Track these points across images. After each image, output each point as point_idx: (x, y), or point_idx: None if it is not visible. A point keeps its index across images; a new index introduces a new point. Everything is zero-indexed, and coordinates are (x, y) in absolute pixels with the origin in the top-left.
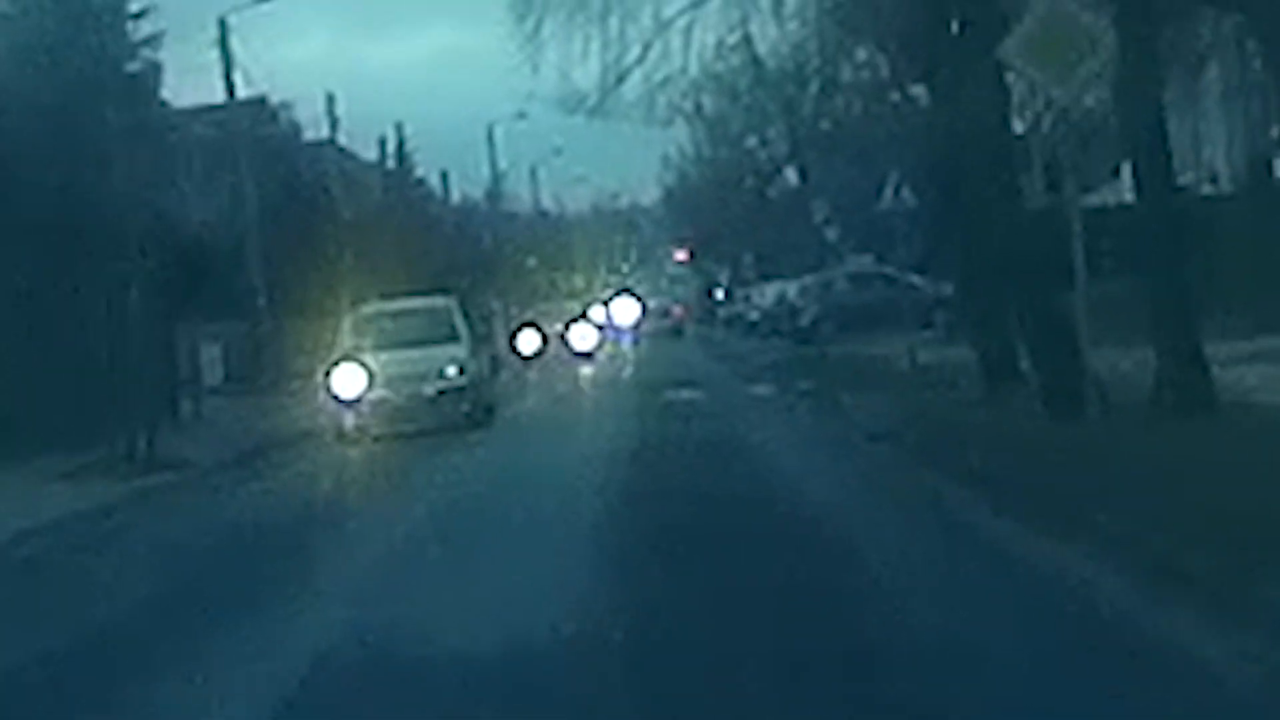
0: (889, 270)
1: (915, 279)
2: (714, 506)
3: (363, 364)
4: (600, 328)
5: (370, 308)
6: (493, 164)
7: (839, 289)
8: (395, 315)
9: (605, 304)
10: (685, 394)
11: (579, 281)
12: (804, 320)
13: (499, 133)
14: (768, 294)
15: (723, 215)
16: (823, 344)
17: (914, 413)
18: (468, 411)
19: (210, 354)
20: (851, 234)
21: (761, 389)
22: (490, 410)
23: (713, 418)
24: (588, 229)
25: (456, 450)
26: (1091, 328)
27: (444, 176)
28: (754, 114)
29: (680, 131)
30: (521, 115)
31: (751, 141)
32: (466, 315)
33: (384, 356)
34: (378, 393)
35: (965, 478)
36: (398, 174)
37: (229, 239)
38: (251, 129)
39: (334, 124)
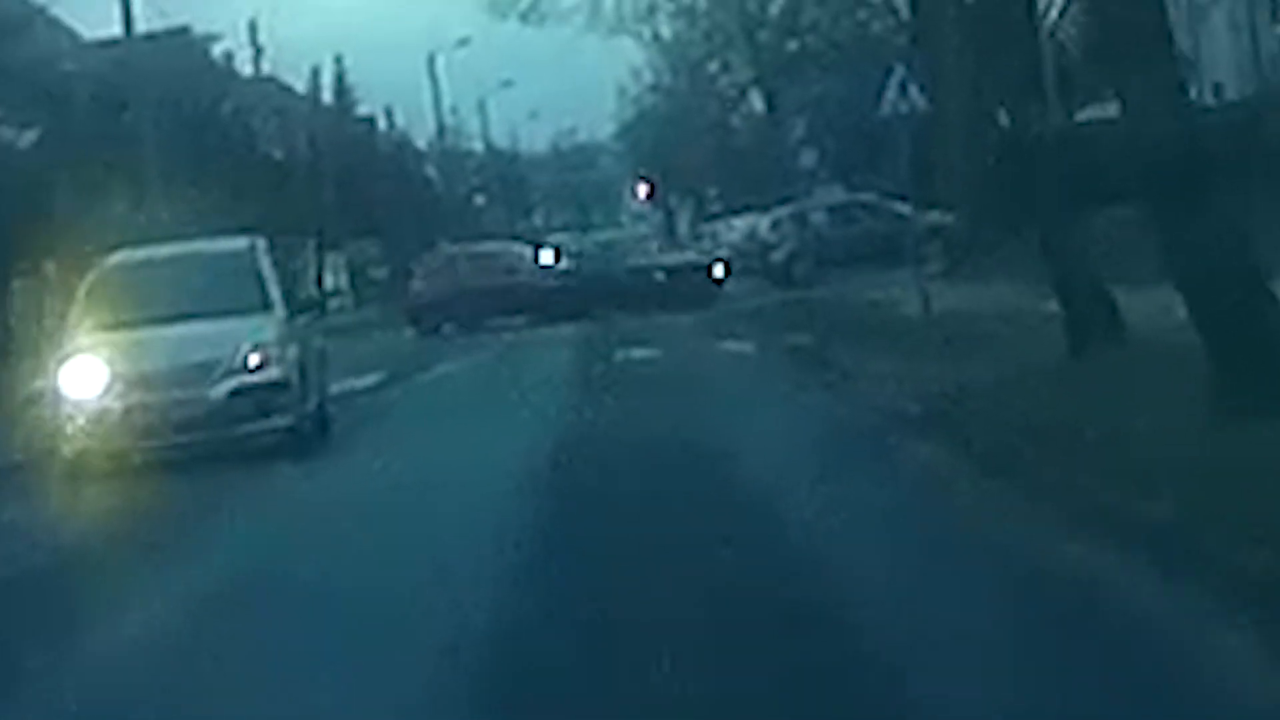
0: (871, 198)
1: (901, 207)
2: (678, 607)
3: (103, 349)
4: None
5: (119, 259)
6: (435, 96)
7: (816, 221)
8: (158, 271)
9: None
10: (641, 353)
11: (537, 222)
12: (777, 257)
13: (442, 63)
14: (736, 228)
15: (684, 148)
16: (801, 284)
17: (962, 385)
18: (286, 424)
19: None
20: (831, 156)
21: (736, 345)
22: (324, 420)
23: (676, 393)
24: (545, 167)
25: (259, 490)
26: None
27: (388, 112)
28: (714, 37)
29: (635, 56)
30: (463, 42)
31: (713, 67)
32: (281, 266)
33: (135, 337)
34: (123, 396)
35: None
36: (335, 110)
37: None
38: (166, 62)
39: (258, 54)
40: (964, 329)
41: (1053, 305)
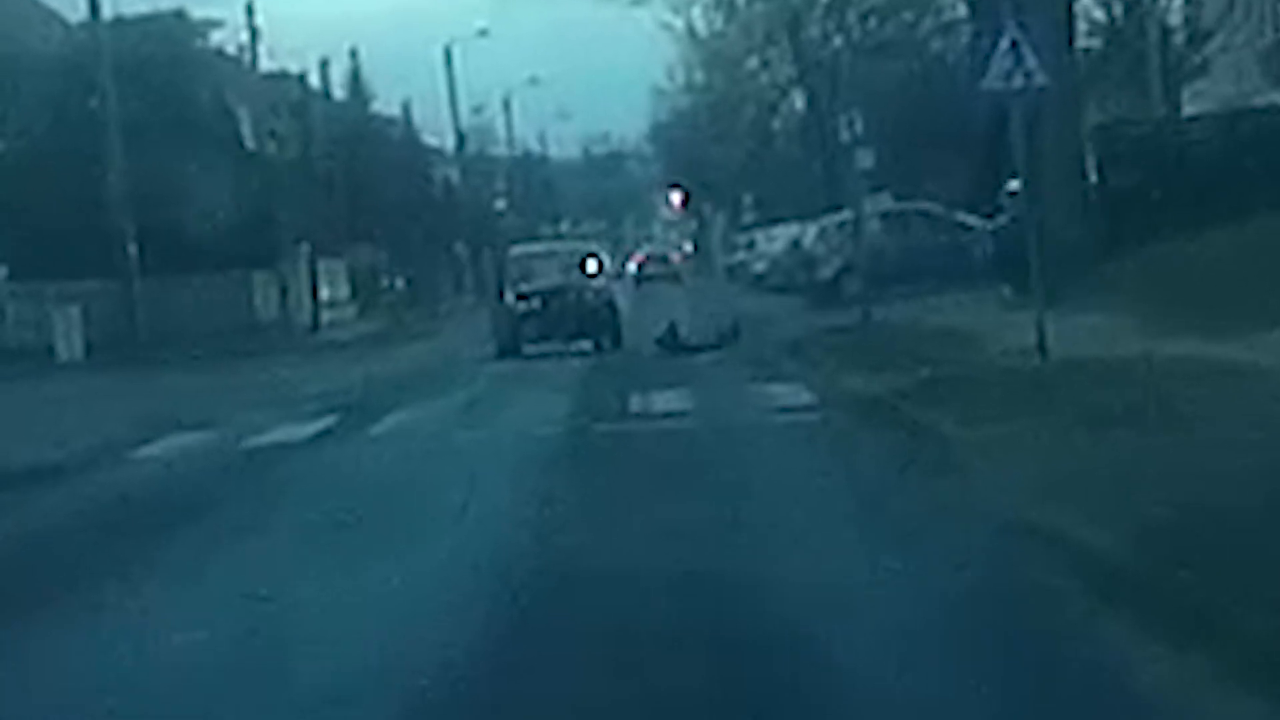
0: (931, 207)
1: (967, 218)
2: None
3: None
4: None
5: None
6: (450, 89)
7: (868, 232)
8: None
9: None
10: (664, 400)
11: (564, 229)
12: (824, 272)
13: (464, 60)
14: (777, 239)
15: (719, 151)
16: (852, 304)
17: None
18: None
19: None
20: (885, 160)
21: (786, 391)
22: None
23: (711, 486)
24: (575, 172)
25: None
26: None
27: (405, 109)
28: (754, 32)
29: (670, 51)
30: (483, 33)
31: (752, 64)
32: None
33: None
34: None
35: None
36: (344, 107)
37: (80, 174)
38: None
39: (254, 38)
40: (1117, 386)
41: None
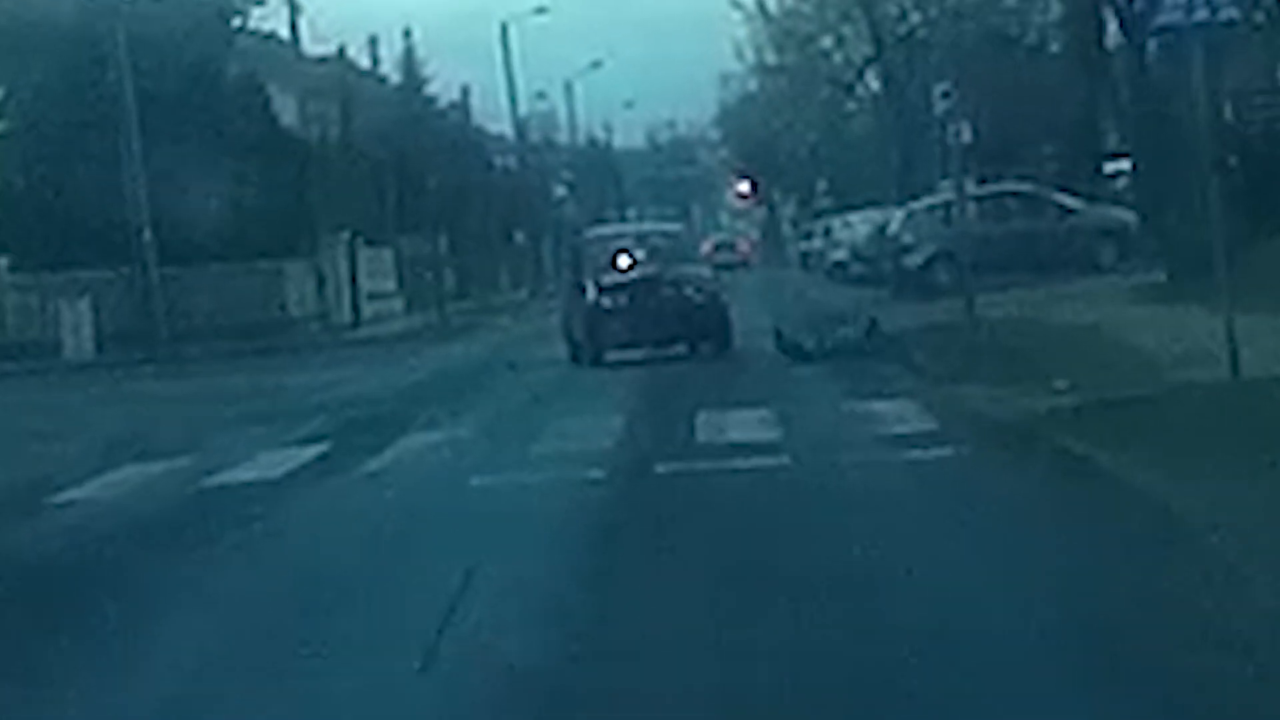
0: (1031, 188)
1: (1070, 200)
2: None
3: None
4: None
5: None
6: (508, 70)
7: (963, 216)
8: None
9: None
10: (741, 427)
11: (630, 216)
12: (913, 260)
13: (525, 43)
14: (857, 226)
15: (790, 136)
16: (945, 294)
17: None
18: None
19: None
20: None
21: (898, 417)
22: None
23: (829, 609)
24: (641, 160)
25: None
26: None
27: (463, 93)
28: (827, 10)
29: (739, 31)
30: (541, 10)
31: (825, 43)
32: None
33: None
34: None
35: None
36: (397, 89)
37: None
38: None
39: (294, 11)
40: None
41: None
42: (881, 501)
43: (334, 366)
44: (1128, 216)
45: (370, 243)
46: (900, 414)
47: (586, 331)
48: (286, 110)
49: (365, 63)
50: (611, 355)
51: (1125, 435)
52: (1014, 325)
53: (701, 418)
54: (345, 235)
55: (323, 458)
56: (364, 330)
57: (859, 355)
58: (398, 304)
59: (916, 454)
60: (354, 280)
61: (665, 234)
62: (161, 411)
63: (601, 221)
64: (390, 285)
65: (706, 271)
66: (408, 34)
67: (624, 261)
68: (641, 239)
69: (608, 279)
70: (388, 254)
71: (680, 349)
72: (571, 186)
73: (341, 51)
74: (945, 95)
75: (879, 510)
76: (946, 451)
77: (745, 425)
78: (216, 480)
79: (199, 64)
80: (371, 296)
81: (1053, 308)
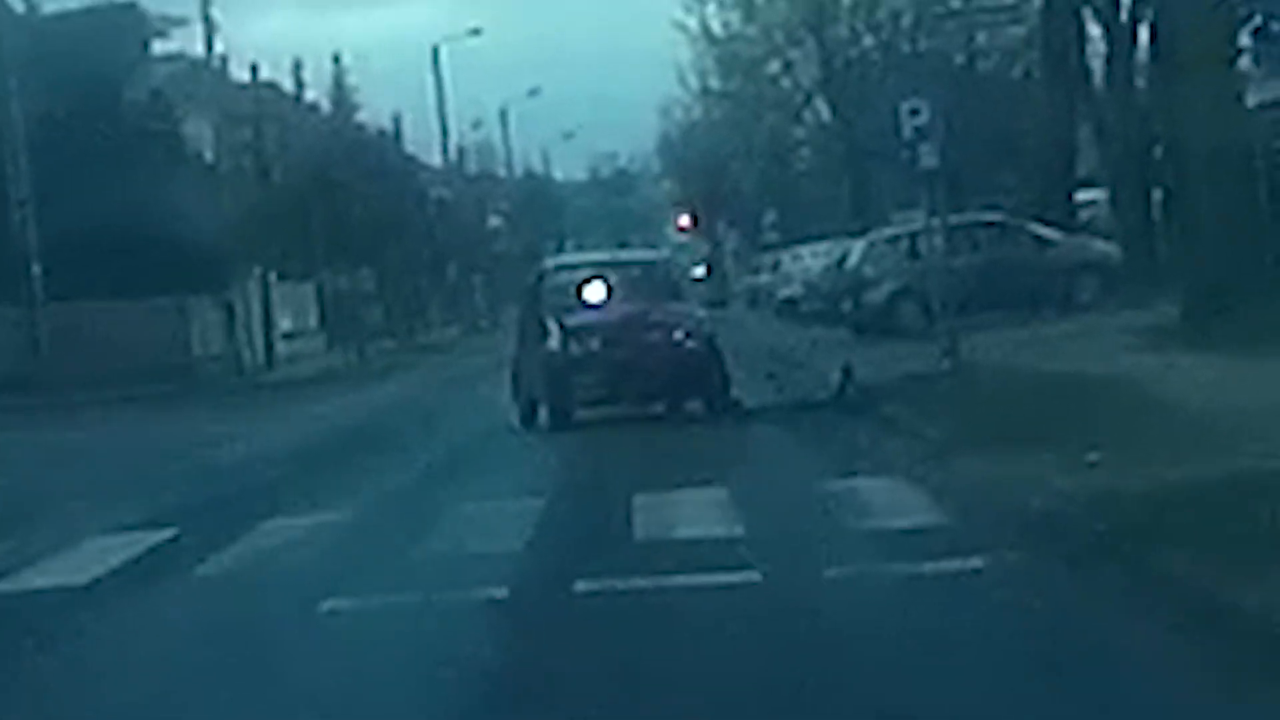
0: (1003, 218)
1: (1046, 231)
2: None
3: None
4: None
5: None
6: (439, 95)
7: (929, 248)
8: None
9: None
10: (691, 517)
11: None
12: (874, 297)
13: (452, 64)
14: (808, 260)
15: (736, 165)
16: (911, 335)
17: None
18: None
19: None
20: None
21: (893, 504)
22: None
23: None
24: (582, 192)
25: None
26: None
27: (395, 121)
28: (775, 33)
29: (683, 54)
30: (475, 32)
31: (773, 68)
32: None
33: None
34: None
35: None
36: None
37: None
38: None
39: (209, 31)
40: None
41: None
42: (899, 658)
43: (228, 416)
44: (1110, 249)
45: (286, 277)
46: (895, 498)
47: (550, 385)
48: (202, 136)
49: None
50: (582, 414)
51: (1223, 540)
52: (1009, 376)
53: (641, 500)
54: (258, 270)
55: (157, 550)
56: (277, 372)
57: (829, 412)
58: (320, 342)
59: (932, 567)
60: (268, 318)
61: (645, 264)
62: None
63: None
64: (312, 322)
65: (698, 311)
66: (337, 59)
67: (596, 297)
68: (617, 270)
69: (576, 320)
70: (309, 289)
71: (661, 407)
72: (508, 218)
73: (254, 71)
74: (914, 113)
75: (898, 676)
76: (974, 563)
77: (697, 513)
78: (2, 586)
79: (100, 83)
80: (290, 335)
81: (1049, 354)
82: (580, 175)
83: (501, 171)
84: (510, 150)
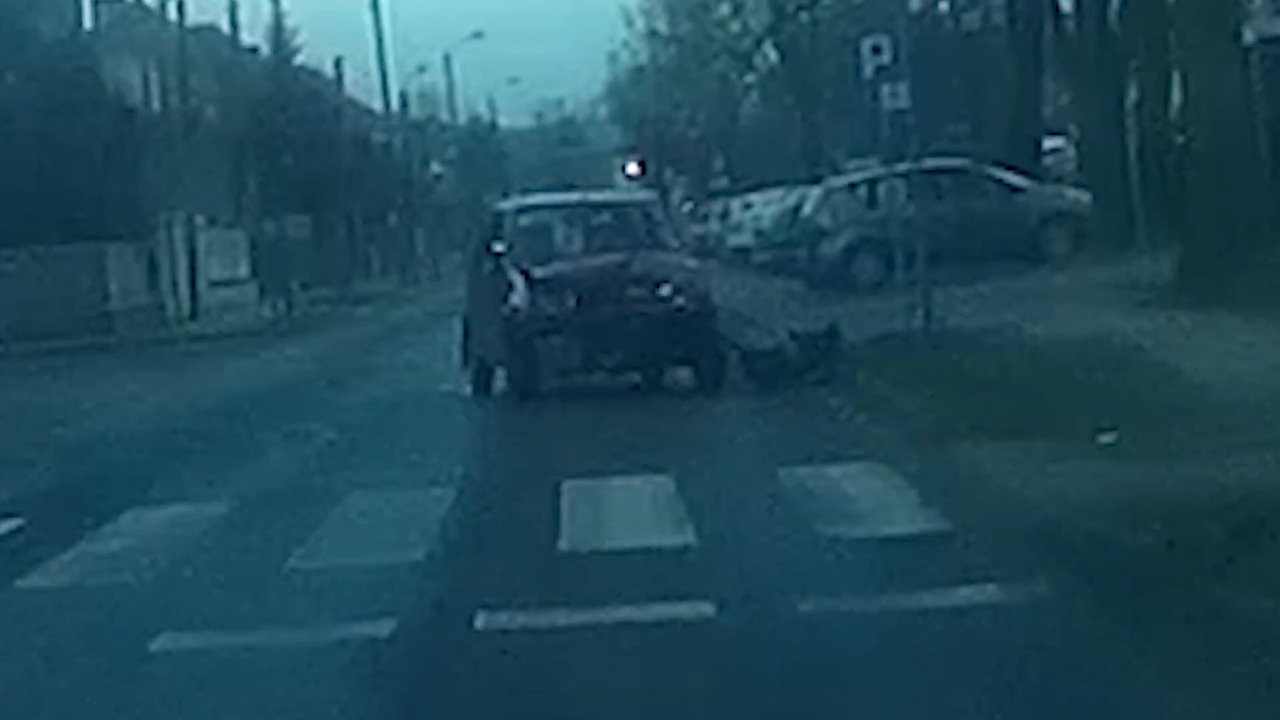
0: (969, 164)
1: (1014, 179)
2: None
3: None
4: None
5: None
6: (378, 36)
7: (888, 197)
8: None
9: None
10: (629, 519)
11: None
12: (829, 249)
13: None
14: (760, 208)
15: (684, 112)
16: (870, 289)
17: None
18: None
19: None
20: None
21: (876, 501)
22: None
23: None
24: (527, 140)
25: None
26: None
27: (337, 66)
28: None
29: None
30: None
31: (723, 10)
32: None
33: None
34: None
35: None
36: (270, 62)
37: None
38: None
39: None
40: None
41: None
42: None
43: (134, 374)
44: (1082, 197)
45: (215, 224)
46: (878, 493)
47: (512, 350)
48: (128, 78)
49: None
50: (549, 384)
51: None
52: (994, 339)
53: (572, 491)
54: (182, 216)
55: None
56: (201, 324)
57: (807, 378)
58: (251, 292)
59: (935, 600)
60: (194, 266)
61: (627, 205)
62: None
63: (481, 202)
64: (243, 271)
65: (691, 262)
66: (276, 2)
67: (573, 246)
68: (593, 212)
69: (545, 272)
70: (240, 237)
71: (641, 377)
72: (450, 164)
73: (180, 11)
74: (876, 51)
75: None
76: (990, 594)
77: (637, 513)
78: None
79: (13, 19)
80: (219, 284)
81: (1032, 312)
82: (527, 122)
83: (446, 118)
84: (454, 96)
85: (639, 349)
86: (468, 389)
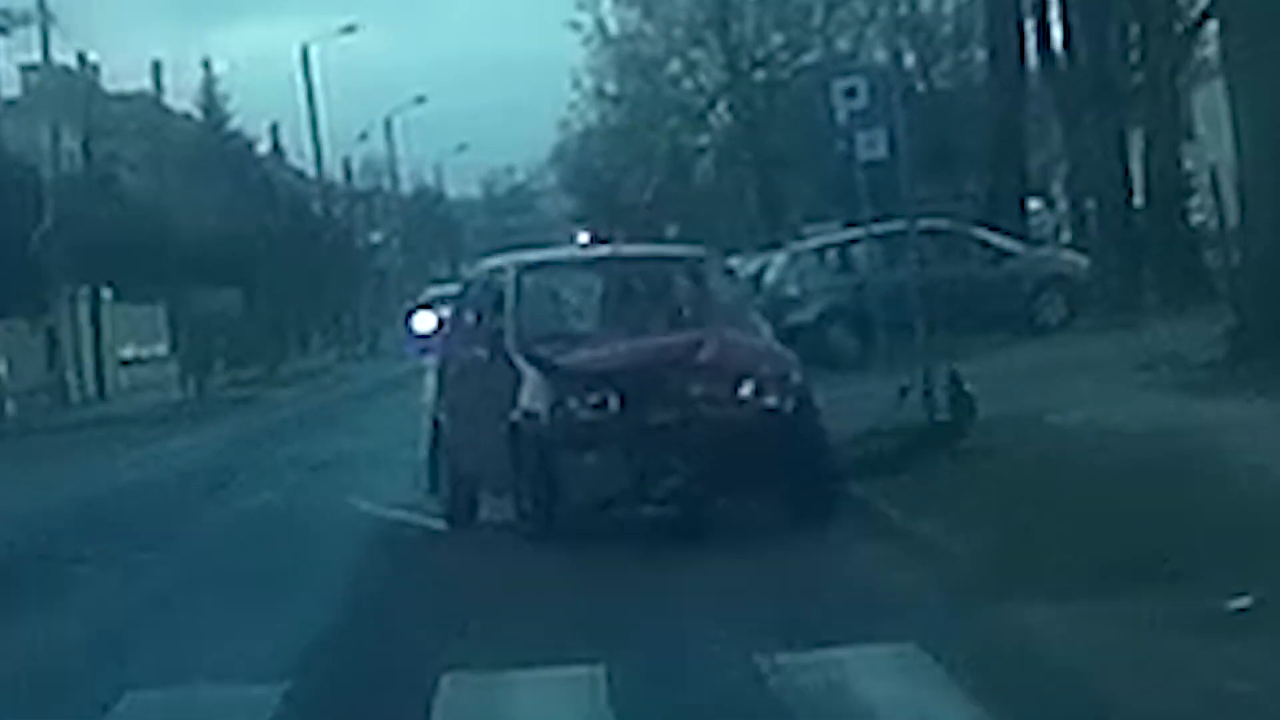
0: (950, 224)
1: (1002, 240)
2: None
3: None
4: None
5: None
6: (309, 99)
7: (864, 260)
8: None
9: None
10: None
11: (465, 271)
12: (800, 317)
13: (328, 64)
14: None
15: (636, 176)
16: (849, 364)
17: None
18: None
19: None
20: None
21: None
22: None
23: None
24: (477, 209)
25: None
26: None
27: (273, 131)
28: (676, 31)
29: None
30: (349, 29)
31: (674, 67)
32: None
33: None
34: None
35: None
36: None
37: None
38: None
39: (45, 26)
40: None
41: None
42: None
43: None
44: (1078, 260)
45: (125, 298)
46: (914, 708)
47: (526, 470)
48: (41, 142)
49: (170, 100)
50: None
51: None
52: (1023, 434)
53: (449, 699)
54: (85, 290)
55: None
56: (106, 406)
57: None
58: (170, 371)
59: None
60: (99, 343)
61: (678, 263)
62: None
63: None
64: (160, 349)
65: (777, 345)
66: (207, 65)
67: (604, 321)
68: (632, 272)
69: (576, 361)
70: (157, 311)
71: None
72: (396, 234)
73: (82, 62)
74: (850, 94)
75: None
76: None
77: None
78: None
79: None
80: (132, 363)
81: (1055, 396)
82: (476, 191)
83: (389, 185)
84: (396, 162)
85: (711, 471)
86: (430, 520)
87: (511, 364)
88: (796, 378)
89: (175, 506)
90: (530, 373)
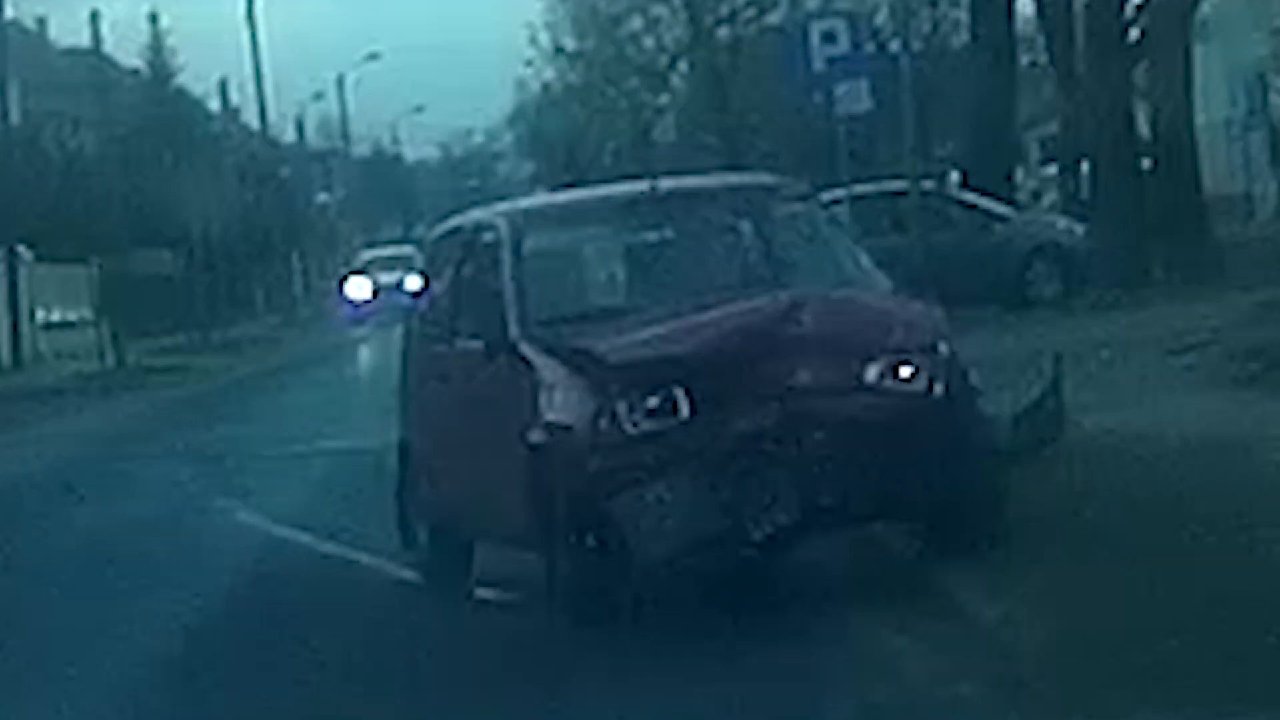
0: (938, 187)
1: (993, 205)
2: None
3: None
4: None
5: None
6: (254, 54)
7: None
8: None
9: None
10: None
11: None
12: None
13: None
14: None
15: (593, 135)
16: None
17: None
18: None
19: None
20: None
21: None
22: None
23: None
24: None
25: None
26: None
27: (222, 87)
28: None
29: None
30: None
31: (635, 24)
32: None
33: None
34: None
35: None
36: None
37: None
38: None
39: None
40: None
41: None
42: None
43: None
44: (1074, 227)
45: (46, 258)
46: None
47: (573, 516)
48: None
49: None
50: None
51: None
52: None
53: None
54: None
55: None
56: (17, 376)
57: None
58: (96, 336)
59: None
60: (14, 307)
61: (740, 195)
62: None
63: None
64: (87, 313)
65: (909, 303)
66: (154, 19)
67: (652, 291)
68: (676, 216)
69: (629, 349)
70: (85, 273)
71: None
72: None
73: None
74: (829, 39)
75: None
76: None
77: None
78: None
79: None
80: (54, 327)
81: (1085, 390)
82: (434, 154)
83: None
84: (348, 120)
85: (835, 495)
86: (404, 570)
87: (522, 358)
88: (944, 348)
89: (26, 513)
90: (554, 369)
